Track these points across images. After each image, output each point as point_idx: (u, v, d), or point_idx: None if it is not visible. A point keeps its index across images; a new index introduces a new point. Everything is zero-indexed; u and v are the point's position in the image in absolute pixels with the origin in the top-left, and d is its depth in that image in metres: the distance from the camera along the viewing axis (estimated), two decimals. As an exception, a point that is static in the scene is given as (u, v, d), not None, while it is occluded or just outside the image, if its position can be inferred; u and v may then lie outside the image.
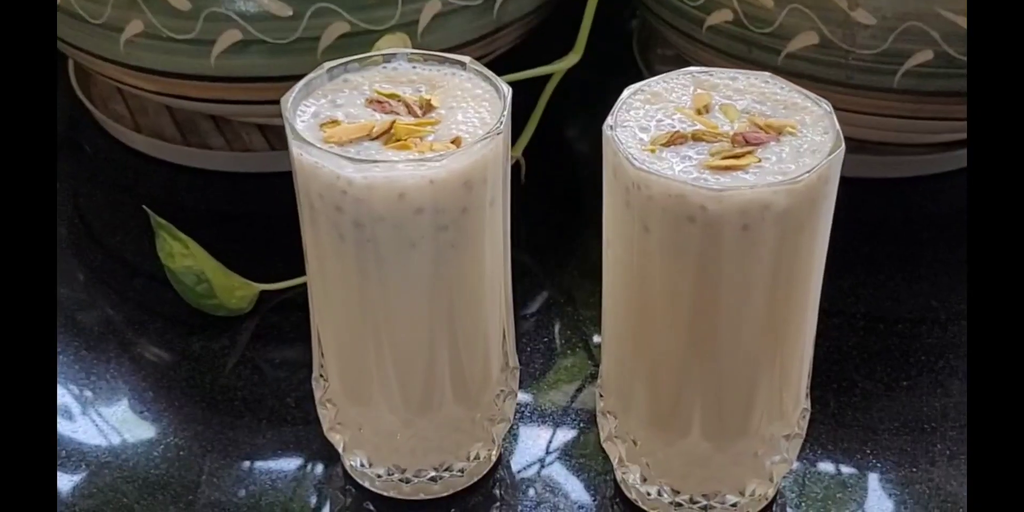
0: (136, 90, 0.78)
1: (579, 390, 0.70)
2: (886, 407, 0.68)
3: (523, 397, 0.68)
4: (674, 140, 0.54)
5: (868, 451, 0.65)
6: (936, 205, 0.82)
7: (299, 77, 0.57)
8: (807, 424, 0.61)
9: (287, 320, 0.72)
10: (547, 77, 0.78)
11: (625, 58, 0.91)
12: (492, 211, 0.56)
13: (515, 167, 0.78)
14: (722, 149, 0.53)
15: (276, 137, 0.82)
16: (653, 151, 0.53)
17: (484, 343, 0.59)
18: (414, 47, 0.72)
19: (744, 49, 0.75)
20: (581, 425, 0.67)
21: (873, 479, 0.64)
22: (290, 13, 0.72)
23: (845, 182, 0.55)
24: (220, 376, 0.70)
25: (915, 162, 0.82)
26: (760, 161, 0.53)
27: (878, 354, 0.71)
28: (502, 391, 0.62)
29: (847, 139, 0.54)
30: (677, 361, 0.57)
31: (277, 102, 0.56)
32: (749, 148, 0.53)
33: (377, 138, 0.55)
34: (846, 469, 0.65)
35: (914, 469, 0.64)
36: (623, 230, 0.55)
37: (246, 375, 0.70)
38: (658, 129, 0.55)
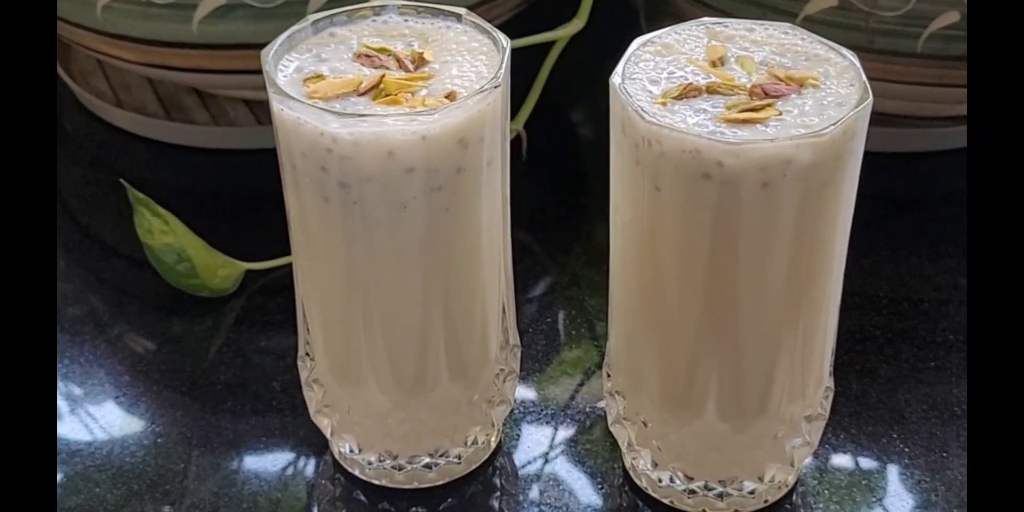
0: (115, 60, 0.74)
1: (585, 373, 0.65)
2: (913, 389, 0.63)
3: (525, 382, 0.64)
4: (687, 93, 0.50)
5: (895, 436, 0.61)
6: (962, 180, 0.77)
7: None
8: (830, 405, 0.57)
9: (274, 301, 0.68)
10: (549, 47, 0.73)
11: (632, 28, 0.87)
12: (490, 172, 0.52)
13: (515, 141, 0.74)
14: (739, 102, 0.49)
15: (263, 112, 0.78)
16: (664, 104, 0.49)
17: (482, 317, 0.55)
18: (409, 10, 0.68)
19: (757, 12, 0.71)
20: (587, 409, 0.63)
21: (900, 465, 0.60)
22: (277, -26, 0.68)
23: (866, 156, 0.51)
24: (202, 360, 0.65)
25: (940, 135, 0.78)
26: (781, 114, 0.49)
27: (903, 334, 0.66)
28: (502, 370, 0.57)
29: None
30: (691, 334, 0.52)
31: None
32: (769, 100, 0.49)
33: (365, 93, 0.51)
34: (871, 455, 0.60)
35: (944, 454, 0.60)
36: (632, 191, 0.51)
37: (229, 359, 0.65)
38: (669, 82, 0.50)
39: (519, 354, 0.59)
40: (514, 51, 0.52)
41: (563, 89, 0.80)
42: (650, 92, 0.50)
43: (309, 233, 0.53)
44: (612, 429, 0.58)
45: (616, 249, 0.54)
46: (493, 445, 0.60)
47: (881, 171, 0.75)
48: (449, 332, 0.54)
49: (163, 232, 0.67)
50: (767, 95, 0.49)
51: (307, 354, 0.57)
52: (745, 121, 0.48)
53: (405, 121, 0.49)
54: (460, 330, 0.55)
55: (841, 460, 0.60)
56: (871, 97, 0.49)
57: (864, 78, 0.50)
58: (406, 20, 0.54)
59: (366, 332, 0.54)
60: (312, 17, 0.54)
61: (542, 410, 0.63)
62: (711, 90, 0.50)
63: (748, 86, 0.50)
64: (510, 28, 0.76)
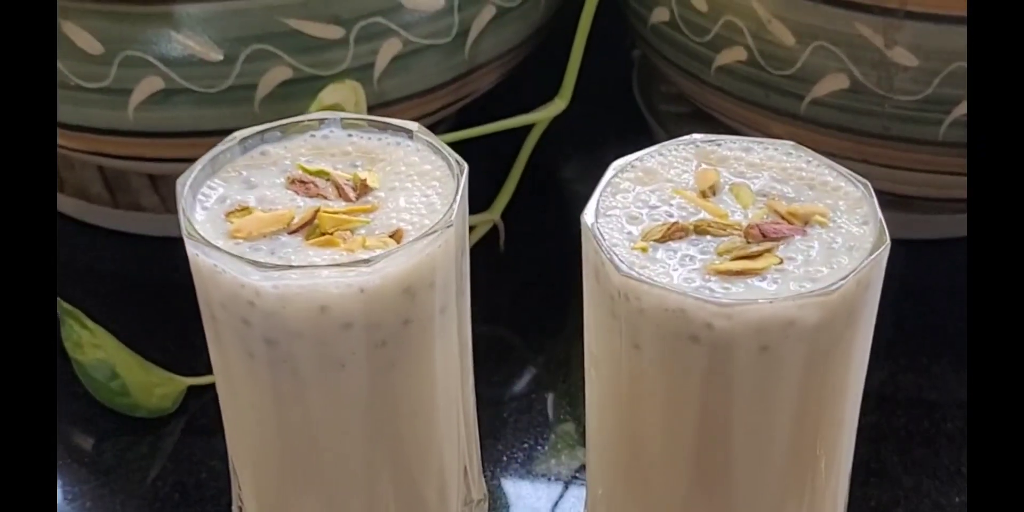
0: (48, 145, 0.67)
1: (568, 496, 0.58)
2: (938, 535, 0.56)
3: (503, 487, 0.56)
4: (672, 234, 0.42)
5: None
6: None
7: (234, 131, 0.47)
8: (841, 569, 0.50)
9: (219, 422, 0.60)
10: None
11: (623, 93, 0.80)
12: (443, 320, 0.45)
13: (492, 232, 0.67)
14: (733, 246, 0.42)
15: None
16: (644, 250, 0.42)
17: (439, 477, 0.48)
18: (369, 96, 0.61)
19: (761, 94, 0.63)
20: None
21: None
22: (220, 57, 0.60)
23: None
24: (134, 494, 0.58)
25: (964, 220, 0.70)
26: (782, 262, 0.41)
27: (923, 462, 0.59)
28: (465, 531, 0.50)
29: (882, 193, 0.42)
30: (679, 504, 0.45)
31: (209, 160, 0.45)
32: (767, 245, 0.42)
33: (297, 231, 0.43)
34: None
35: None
36: (609, 345, 0.43)
37: (165, 493, 0.58)
38: (651, 219, 0.43)
39: (486, 507, 0.52)
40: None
41: (545, 160, 0.73)
42: (628, 233, 0.43)
43: (234, 388, 0.46)
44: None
45: (593, 404, 0.47)
46: (457, 609, 0.53)
47: (897, 261, 0.68)
48: (400, 496, 0.47)
49: (94, 346, 0.60)
50: (765, 237, 0.42)
51: (240, 510, 0.50)
52: (740, 273, 0.41)
53: (339, 273, 0.41)
54: (413, 494, 0.48)
55: None
56: (888, 240, 0.42)
57: (879, 214, 0.43)
58: (350, 135, 0.47)
59: (303, 494, 0.47)
60: (240, 134, 0.46)
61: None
62: (700, 230, 0.43)
63: (744, 226, 0.43)
64: (487, 102, 0.70)
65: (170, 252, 0.70)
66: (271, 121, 0.48)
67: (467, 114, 0.70)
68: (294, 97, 0.61)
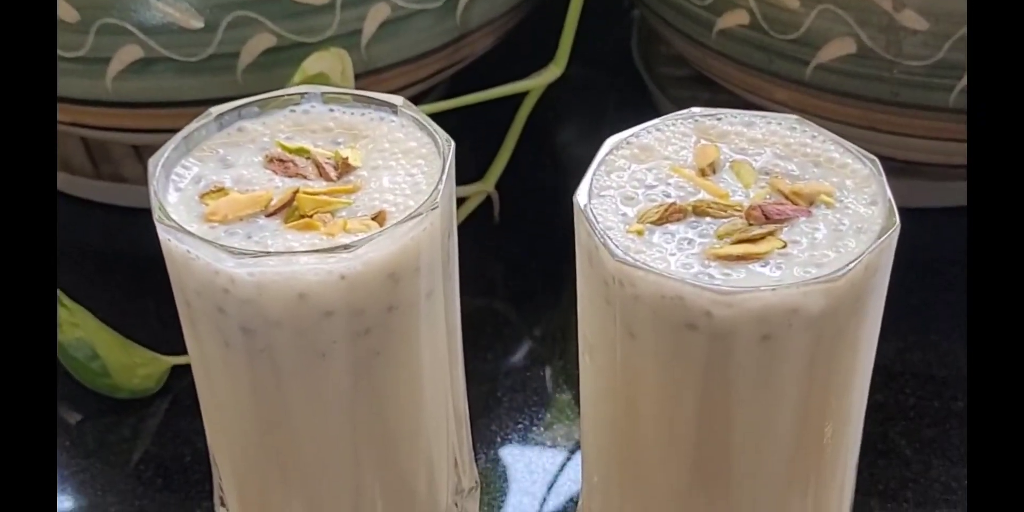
0: (26, 115, 0.64)
1: (562, 479, 0.56)
2: (942, 514, 0.54)
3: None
4: (669, 216, 0.40)
5: (923, 577, 0.52)
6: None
7: (216, 102, 0.45)
8: (847, 558, 0.48)
9: (205, 402, 0.59)
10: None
11: (622, 57, 0.77)
12: (430, 305, 0.43)
13: (486, 203, 0.65)
14: (734, 228, 0.40)
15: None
16: (640, 233, 0.40)
17: (428, 468, 0.46)
18: (356, 63, 0.59)
19: (764, 59, 0.61)
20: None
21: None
22: (201, 24, 0.58)
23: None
24: (116, 477, 0.56)
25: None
26: (785, 246, 0.39)
27: (933, 442, 0.57)
28: (455, 520, 0.48)
29: (888, 160, 0.40)
30: (676, 496, 0.43)
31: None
32: (770, 227, 0.40)
33: (275, 213, 0.41)
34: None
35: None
36: (604, 332, 0.41)
37: (148, 477, 0.56)
38: (648, 199, 0.41)
39: (478, 494, 0.50)
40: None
41: (541, 125, 0.70)
42: (623, 215, 0.40)
43: (212, 379, 0.44)
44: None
45: (587, 392, 0.44)
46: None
47: (905, 230, 0.66)
48: (388, 489, 0.45)
49: (73, 325, 0.58)
50: (768, 219, 0.40)
51: (222, 502, 0.48)
52: (740, 258, 0.39)
53: (319, 259, 0.39)
54: (401, 485, 0.46)
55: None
56: (898, 222, 0.40)
57: (889, 194, 0.40)
58: (332, 110, 0.45)
59: (285, 488, 0.45)
60: (216, 109, 0.44)
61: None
62: (699, 211, 0.40)
63: (745, 206, 0.40)
64: (480, 67, 0.67)
65: (153, 225, 0.68)
66: (254, 91, 0.46)
67: (459, 81, 0.67)
68: (278, 66, 0.59)
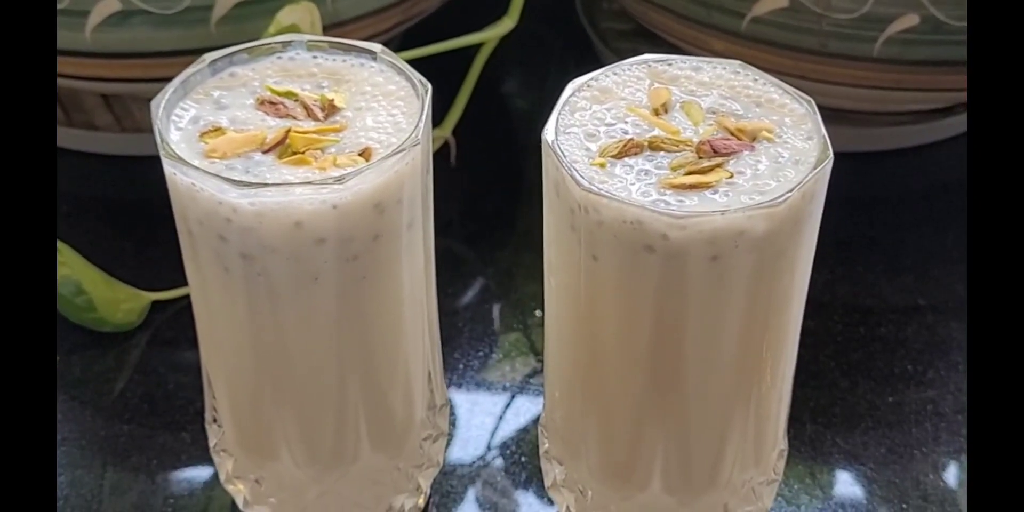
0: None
1: (521, 400, 0.61)
2: (870, 429, 0.59)
3: (456, 429, 0.59)
4: (628, 150, 0.45)
5: (851, 483, 0.57)
6: (921, 180, 0.73)
7: (190, 52, 0.49)
8: (784, 465, 0.53)
9: (184, 335, 0.63)
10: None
11: (568, 11, 0.81)
12: (410, 235, 0.47)
13: (443, 148, 0.69)
14: (685, 161, 0.44)
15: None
16: (602, 165, 0.44)
17: (405, 385, 0.50)
18: (323, 16, 0.63)
19: (702, 12, 0.65)
20: (523, 459, 0.58)
21: (858, 517, 0.56)
22: (176, -22, 0.61)
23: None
24: (103, 405, 0.60)
25: (897, 133, 0.73)
26: (732, 176, 0.44)
27: (859, 365, 0.62)
28: (429, 435, 0.53)
29: (819, 108, 0.45)
30: (634, 406, 0.48)
31: (167, 79, 0.47)
32: (718, 159, 0.44)
33: (270, 150, 0.45)
34: (826, 509, 0.56)
35: (904, 505, 0.56)
36: (568, 256, 0.46)
37: (134, 404, 0.60)
38: (608, 136, 0.45)
39: (448, 412, 0.54)
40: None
41: (494, 76, 0.75)
42: (587, 149, 0.45)
43: (210, 301, 0.48)
44: (549, 493, 0.54)
45: (551, 312, 0.49)
46: (420, 507, 0.55)
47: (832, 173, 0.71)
48: (369, 403, 0.49)
49: (59, 263, 0.61)
50: (716, 153, 0.44)
51: (214, 420, 0.52)
52: (692, 186, 0.43)
53: (313, 190, 0.43)
54: (381, 400, 0.50)
55: (795, 512, 0.56)
56: (831, 154, 0.44)
57: (823, 130, 0.45)
58: (315, 57, 0.49)
59: (276, 405, 0.49)
60: (209, 56, 0.48)
61: (474, 464, 0.58)
62: (654, 146, 0.45)
63: (695, 142, 0.45)
64: (435, 22, 0.71)
65: (126, 171, 0.72)
66: (227, 42, 0.49)
67: (414, 35, 0.71)
68: (250, 18, 0.62)
